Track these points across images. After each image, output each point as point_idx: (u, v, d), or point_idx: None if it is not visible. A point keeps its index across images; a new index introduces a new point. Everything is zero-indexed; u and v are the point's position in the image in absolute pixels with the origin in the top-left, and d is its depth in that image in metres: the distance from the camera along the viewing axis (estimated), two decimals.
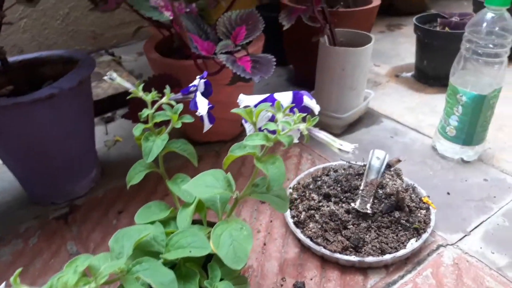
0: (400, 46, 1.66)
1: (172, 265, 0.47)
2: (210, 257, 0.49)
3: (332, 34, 1.05)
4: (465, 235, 0.77)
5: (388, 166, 0.84)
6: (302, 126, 0.44)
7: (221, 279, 0.47)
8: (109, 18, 1.73)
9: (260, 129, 0.48)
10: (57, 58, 0.96)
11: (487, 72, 0.84)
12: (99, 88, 1.30)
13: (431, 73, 1.31)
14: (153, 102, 0.57)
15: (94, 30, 1.71)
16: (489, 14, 0.81)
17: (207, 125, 0.55)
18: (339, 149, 0.43)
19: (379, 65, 1.50)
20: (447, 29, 1.26)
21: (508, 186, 0.88)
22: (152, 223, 0.52)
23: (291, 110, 0.46)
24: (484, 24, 0.81)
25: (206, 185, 0.47)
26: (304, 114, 0.45)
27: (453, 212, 0.82)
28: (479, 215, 0.81)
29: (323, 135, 0.45)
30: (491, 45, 0.81)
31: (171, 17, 0.77)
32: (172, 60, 0.96)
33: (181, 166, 0.98)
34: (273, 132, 0.45)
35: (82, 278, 0.36)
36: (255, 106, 0.48)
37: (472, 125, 0.89)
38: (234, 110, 0.47)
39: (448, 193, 0.87)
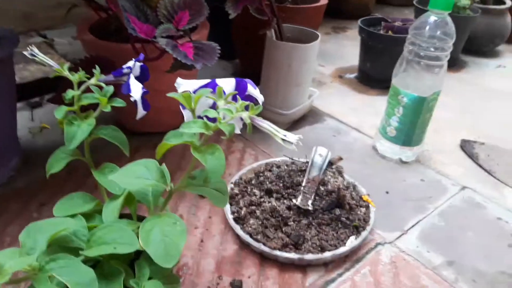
0: (345, 48, 1.69)
1: (94, 263, 0.42)
2: (139, 254, 0.45)
3: (280, 29, 1.03)
4: (403, 234, 0.78)
5: (330, 163, 0.84)
6: (245, 114, 0.41)
7: (150, 278, 0.43)
8: None
9: (199, 117, 0.44)
10: None
11: (428, 75, 0.86)
12: (27, 71, 1.19)
13: (374, 75, 1.34)
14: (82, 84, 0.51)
15: (25, 10, 1.57)
16: (432, 18, 0.83)
17: (140, 112, 0.50)
18: (283, 140, 0.41)
19: (324, 66, 1.51)
20: (390, 32, 1.29)
21: (443, 187, 0.91)
22: (73, 216, 0.46)
23: (234, 97, 0.43)
24: (427, 27, 0.83)
25: (137, 176, 0.42)
26: (247, 103, 0.42)
27: (392, 211, 0.83)
28: (416, 214, 0.83)
29: (266, 125, 0.42)
30: (432, 48, 0.83)
31: None
32: (108, 42, 0.89)
33: (114, 157, 0.90)
34: (213, 120, 0.42)
35: None
36: (195, 91, 0.45)
37: (411, 126, 0.91)
38: (170, 94, 0.43)
39: (387, 192, 0.88)
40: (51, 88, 1.15)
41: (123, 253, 0.40)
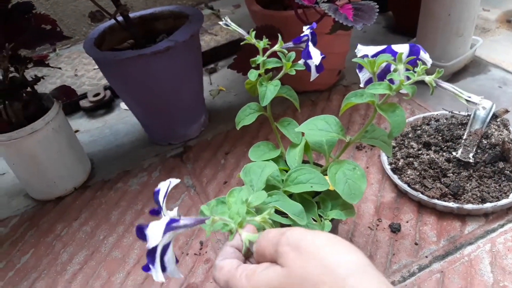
0: None
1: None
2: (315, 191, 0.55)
3: None
4: None
5: (495, 116, 0.81)
6: (428, 78, 0.45)
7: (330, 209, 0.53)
8: None
9: (368, 81, 0.50)
10: (169, 14, 1.05)
11: None
12: (202, 41, 1.39)
13: None
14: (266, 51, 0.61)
15: None
16: None
17: (314, 74, 0.58)
18: (467, 101, 0.44)
19: (489, 10, 1.38)
20: None
21: None
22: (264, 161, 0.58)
23: (411, 62, 0.47)
24: None
25: (319, 128, 0.51)
26: (427, 66, 0.45)
27: None
28: None
29: (449, 87, 0.45)
30: None
31: None
32: (273, 11, 0.99)
33: (281, 113, 1.04)
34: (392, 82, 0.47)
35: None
36: (373, 56, 0.49)
37: None
38: (355, 59, 0.48)
39: None
40: (222, 55, 1.34)
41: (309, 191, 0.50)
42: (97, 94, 1.23)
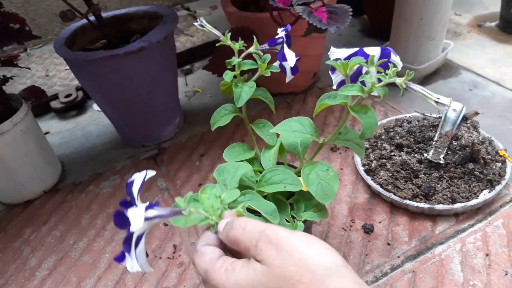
0: None
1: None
2: (289, 193, 0.55)
3: None
4: None
5: (465, 118, 0.83)
6: (399, 80, 0.45)
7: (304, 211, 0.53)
8: None
9: (341, 83, 0.50)
10: (143, 14, 1.04)
11: None
12: (178, 42, 1.37)
13: None
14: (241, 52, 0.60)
15: None
16: None
17: (289, 76, 0.58)
18: (436, 102, 0.45)
19: (460, 14, 1.42)
20: None
21: None
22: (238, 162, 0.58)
23: (383, 65, 0.48)
24: None
25: (294, 129, 0.51)
26: (399, 69, 0.46)
27: None
28: None
29: (419, 89, 0.46)
30: None
31: None
32: (249, 13, 0.99)
33: (257, 115, 1.04)
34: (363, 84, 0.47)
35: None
36: (345, 58, 0.50)
37: None
38: (328, 62, 0.49)
39: None
40: (198, 56, 1.33)
41: (282, 191, 0.50)
42: (68, 95, 1.20)
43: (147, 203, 0.37)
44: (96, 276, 0.72)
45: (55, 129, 1.14)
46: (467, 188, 0.74)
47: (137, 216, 0.35)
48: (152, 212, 0.37)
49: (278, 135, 0.58)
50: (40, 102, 1.07)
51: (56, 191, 0.92)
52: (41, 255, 0.78)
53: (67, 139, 1.09)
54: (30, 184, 0.90)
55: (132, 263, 0.36)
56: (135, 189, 0.38)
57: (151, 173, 0.40)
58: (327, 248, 0.34)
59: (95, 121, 1.14)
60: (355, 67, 0.48)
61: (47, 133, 1.11)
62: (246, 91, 0.55)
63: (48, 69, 1.41)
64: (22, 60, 1.51)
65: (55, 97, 1.21)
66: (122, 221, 0.35)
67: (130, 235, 0.35)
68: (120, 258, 0.36)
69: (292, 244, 0.33)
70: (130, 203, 0.38)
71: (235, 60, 0.56)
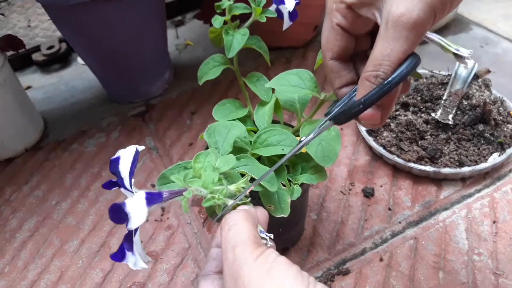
0: None
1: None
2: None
3: None
4: None
5: (476, 76, 0.77)
6: None
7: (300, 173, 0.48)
8: None
9: None
10: None
11: None
12: None
13: None
14: None
15: None
16: None
17: (287, 22, 0.51)
18: (455, 54, 0.39)
19: None
20: None
21: None
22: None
23: None
24: None
25: (291, 84, 0.45)
26: None
27: None
28: None
29: (437, 38, 0.40)
30: None
31: None
32: None
33: (251, 71, 0.96)
34: None
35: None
36: None
37: None
38: None
39: None
40: (190, 6, 1.23)
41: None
42: (51, 47, 1.12)
43: (145, 191, 0.31)
44: (79, 239, 0.68)
45: (37, 84, 1.06)
46: (476, 151, 0.69)
47: (138, 211, 0.29)
48: (154, 198, 0.31)
49: (274, 90, 0.52)
50: (18, 53, 1.00)
51: (38, 149, 0.86)
52: (22, 216, 0.74)
53: (50, 94, 1.02)
54: (10, 141, 0.84)
55: (136, 261, 0.31)
56: (125, 169, 0.32)
57: (141, 148, 0.34)
58: (293, 280, 0.27)
59: (79, 75, 1.07)
60: None
61: (28, 87, 1.04)
62: (238, 39, 0.49)
63: (30, 19, 1.31)
64: (3, 9, 1.41)
65: (37, 49, 1.12)
66: (120, 216, 0.29)
67: (131, 231, 0.30)
68: (118, 256, 0.31)
69: (250, 275, 0.28)
70: (116, 184, 0.33)
71: (225, 2, 0.49)
